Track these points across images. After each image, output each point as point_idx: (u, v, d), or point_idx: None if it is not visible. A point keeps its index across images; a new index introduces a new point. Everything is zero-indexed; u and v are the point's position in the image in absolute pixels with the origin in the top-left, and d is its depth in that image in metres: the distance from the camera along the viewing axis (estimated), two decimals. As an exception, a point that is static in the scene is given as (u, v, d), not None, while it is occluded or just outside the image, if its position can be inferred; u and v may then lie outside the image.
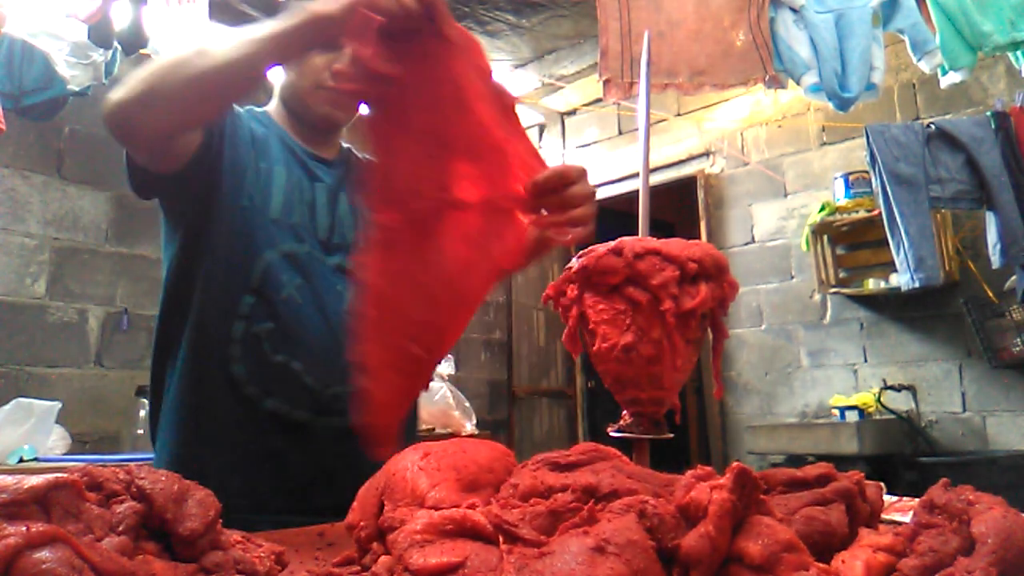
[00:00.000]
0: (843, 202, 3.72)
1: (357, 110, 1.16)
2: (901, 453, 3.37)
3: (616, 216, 5.20)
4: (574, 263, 0.83)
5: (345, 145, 1.29)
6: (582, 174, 0.85)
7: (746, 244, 4.40)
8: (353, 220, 1.17)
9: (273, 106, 1.23)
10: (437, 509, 0.52)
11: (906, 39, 2.77)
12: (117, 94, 0.91)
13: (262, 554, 0.51)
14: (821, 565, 0.46)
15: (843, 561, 0.47)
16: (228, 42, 0.88)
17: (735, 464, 0.47)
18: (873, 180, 3.23)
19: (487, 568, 0.43)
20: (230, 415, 1.04)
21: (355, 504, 0.61)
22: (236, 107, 1.14)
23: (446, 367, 3.76)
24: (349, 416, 1.09)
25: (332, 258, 1.13)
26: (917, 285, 3.08)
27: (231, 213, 1.08)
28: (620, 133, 5.09)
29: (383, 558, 0.46)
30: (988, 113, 3.19)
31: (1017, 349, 3.26)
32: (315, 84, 1.14)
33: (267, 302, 1.06)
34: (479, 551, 0.45)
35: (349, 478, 0.70)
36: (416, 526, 0.47)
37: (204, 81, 0.88)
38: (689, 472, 0.50)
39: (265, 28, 0.87)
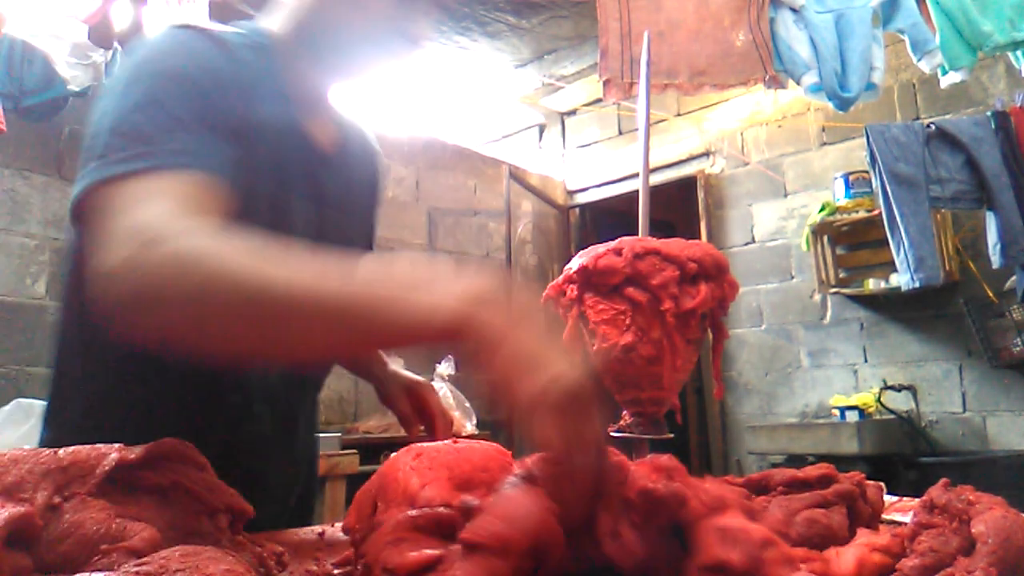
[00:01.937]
0: (843, 202, 3.72)
1: (392, 74, 0.94)
2: (901, 453, 3.36)
3: (616, 216, 5.21)
4: (574, 263, 0.83)
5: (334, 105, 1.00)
6: None
7: (746, 244, 4.40)
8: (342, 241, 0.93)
9: (281, 30, 0.91)
10: (428, 507, 0.52)
11: (906, 39, 2.77)
12: (124, 283, 0.59)
13: (262, 554, 0.51)
14: (802, 550, 0.46)
15: (836, 554, 0.47)
16: (311, 300, 0.55)
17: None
18: (873, 180, 3.23)
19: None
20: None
21: (351, 507, 0.61)
22: (232, 45, 0.84)
23: (446, 367, 3.76)
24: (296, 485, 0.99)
25: None
26: (917, 285, 3.08)
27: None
28: (620, 133, 5.09)
29: (362, 560, 0.46)
30: (988, 113, 3.19)
31: (1017, 349, 3.26)
32: (373, 39, 0.88)
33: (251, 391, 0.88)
34: (459, 549, 0.45)
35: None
36: (385, 529, 0.47)
37: (255, 331, 0.58)
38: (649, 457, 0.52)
39: (367, 300, 0.55)
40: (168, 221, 0.62)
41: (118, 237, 0.62)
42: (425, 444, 0.64)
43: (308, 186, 0.89)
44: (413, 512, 0.48)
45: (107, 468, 0.46)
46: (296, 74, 0.90)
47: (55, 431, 0.89)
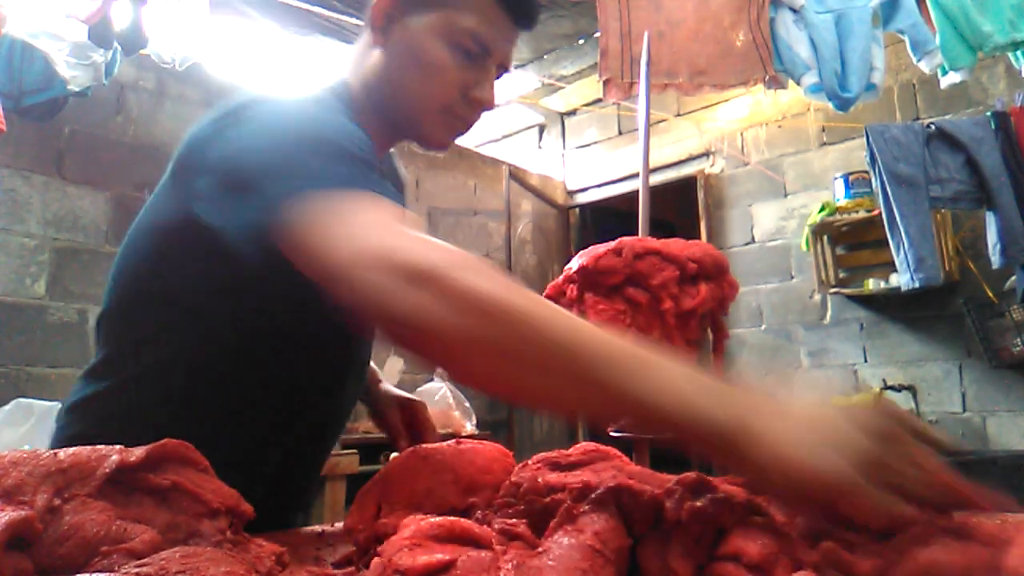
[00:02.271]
0: (843, 202, 3.72)
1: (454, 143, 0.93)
2: (901, 453, 3.36)
3: (616, 216, 5.21)
4: (574, 263, 0.83)
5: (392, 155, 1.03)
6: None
7: (746, 244, 4.40)
8: None
9: (346, 84, 0.90)
10: (434, 512, 0.52)
11: (906, 39, 2.77)
12: (438, 319, 0.54)
13: (262, 554, 0.51)
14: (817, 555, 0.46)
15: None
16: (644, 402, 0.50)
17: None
18: (873, 180, 3.23)
19: (480, 568, 0.43)
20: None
21: (353, 507, 0.61)
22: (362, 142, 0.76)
23: (442, 373, 3.76)
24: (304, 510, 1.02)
25: (361, 350, 0.98)
26: (917, 285, 3.08)
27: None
28: (620, 133, 5.09)
29: (374, 560, 0.46)
30: (988, 113, 3.19)
31: (1017, 349, 3.26)
32: (441, 104, 0.86)
33: (307, 410, 0.90)
34: (471, 552, 0.45)
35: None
36: (405, 534, 0.47)
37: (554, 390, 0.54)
38: (678, 479, 0.50)
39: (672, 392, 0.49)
40: (420, 241, 0.59)
41: (354, 237, 0.59)
42: (429, 446, 0.64)
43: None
44: (433, 520, 0.48)
45: (108, 470, 0.46)
46: (368, 124, 0.85)
47: (89, 423, 0.86)
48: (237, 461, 0.68)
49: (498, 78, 0.91)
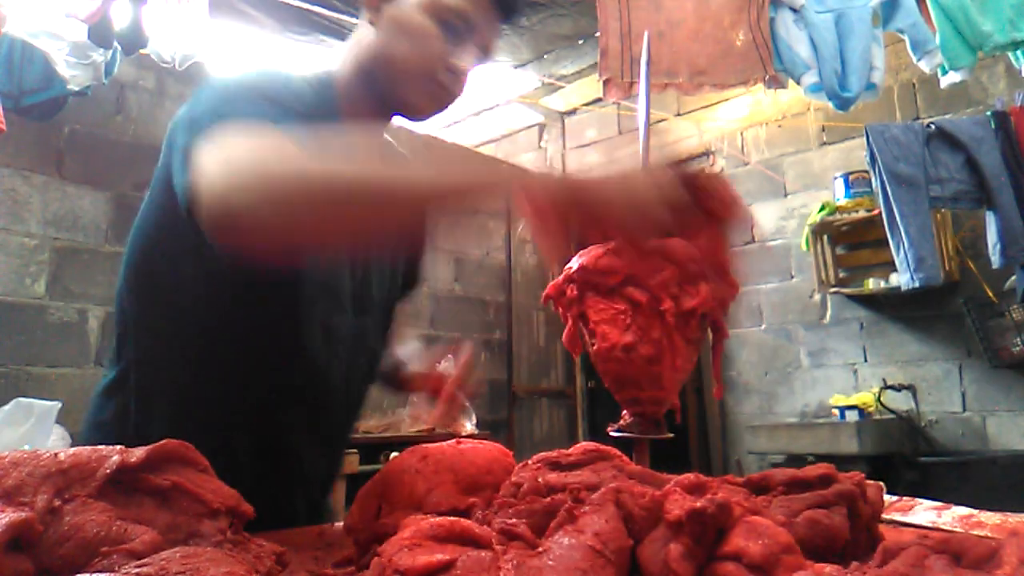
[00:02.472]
0: (843, 202, 3.72)
1: (446, 108, 0.99)
2: (901, 453, 3.37)
3: (616, 216, 5.20)
4: (574, 263, 0.83)
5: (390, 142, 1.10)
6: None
7: (746, 244, 4.40)
8: (381, 271, 1.03)
9: (342, 68, 0.99)
10: (435, 512, 0.52)
11: (906, 39, 2.77)
12: (242, 201, 0.64)
13: (262, 554, 0.51)
14: (817, 565, 0.46)
15: None
16: (414, 188, 0.66)
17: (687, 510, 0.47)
18: (873, 180, 3.23)
19: (480, 568, 0.43)
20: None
21: (354, 507, 0.61)
22: (298, 88, 0.91)
23: (446, 367, 3.76)
24: (325, 497, 1.05)
25: (357, 320, 0.99)
26: (917, 285, 3.08)
27: (287, 275, 0.89)
28: (620, 133, 5.09)
29: (374, 560, 0.46)
30: (988, 113, 3.19)
31: (1017, 349, 3.26)
32: (426, 72, 0.92)
33: (298, 381, 0.92)
34: (471, 552, 0.45)
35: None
36: (405, 534, 0.47)
37: (355, 213, 0.66)
38: (676, 481, 0.50)
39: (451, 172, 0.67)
40: (277, 143, 0.68)
41: (233, 167, 0.66)
42: (429, 446, 0.64)
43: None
44: (433, 520, 0.48)
45: (108, 471, 0.46)
46: (352, 106, 0.96)
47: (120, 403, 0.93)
48: (215, 447, 0.69)
49: (481, 63, 0.98)
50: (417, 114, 0.97)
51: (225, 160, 0.66)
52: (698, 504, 0.46)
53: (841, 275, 3.96)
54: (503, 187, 0.67)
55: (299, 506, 0.97)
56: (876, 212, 3.32)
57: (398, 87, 0.94)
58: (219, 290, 0.88)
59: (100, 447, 0.49)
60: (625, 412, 0.85)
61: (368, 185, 0.64)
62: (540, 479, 0.56)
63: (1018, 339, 3.25)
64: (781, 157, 4.30)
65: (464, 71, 0.94)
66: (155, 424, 0.88)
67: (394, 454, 0.65)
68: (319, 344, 0.93)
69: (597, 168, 0.69)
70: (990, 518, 0.70)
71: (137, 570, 0.39)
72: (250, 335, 0.89)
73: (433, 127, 4.84)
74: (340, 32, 3.74)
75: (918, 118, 3.71)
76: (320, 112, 0.89)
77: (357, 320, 0.99)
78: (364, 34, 0.96)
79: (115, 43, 2.75)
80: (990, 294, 3.39)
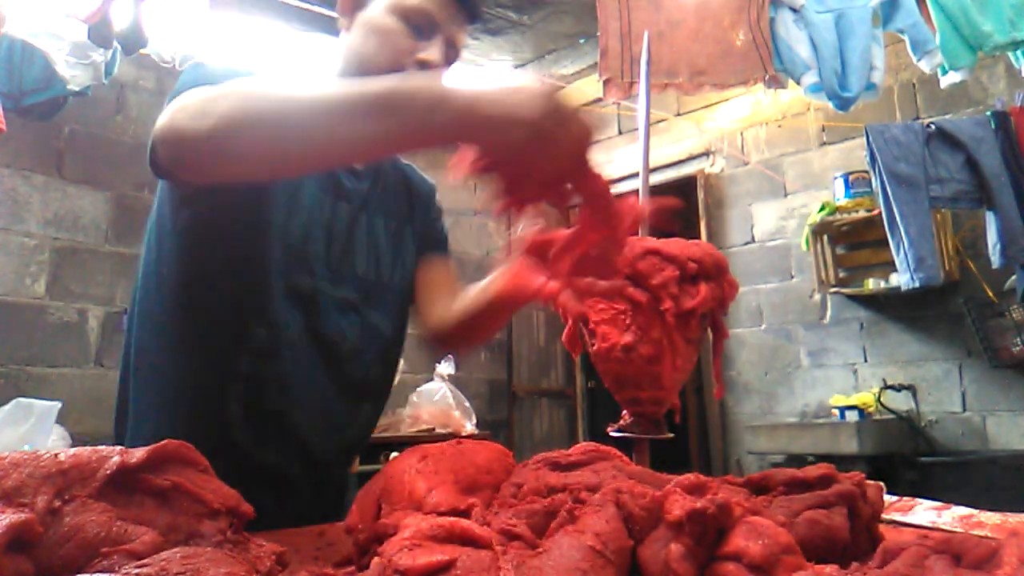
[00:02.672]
0: (843, 202, 3.72)
1: None
2: (901, 453, 3.36)
3: (616, 216, 5.20)
4: (574, 263, 0.83)
5: None
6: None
7: (746, 244, 4.40)
8: (368, 245, 1.06)
9: (332, 71, 1.06)
10: (435, 512, 0.52)
11: (906, 39, 2.77)
12: (180, 114, 0.73)
13: (262, 554, 0.51)
14: (817, 565, 0.46)
15: None
16: (332, 101, 0.68)
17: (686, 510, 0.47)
18: (873, 180, 3.23)
19: (480, 568, 0.43)
20: (214, 460, 0.93)
21: (353, 507, 0.61)
22: None
23: (446, 367, 3.77)
24: (340, 467, 1.05)
25: (339, 291, 1.02)
26: (917, 285, 3.08)
27: (256, 227, 0.94)
28: (620, 133, 5.09)
29: (374, 560, 0.46)
30: (988, 113, 3.19)
31: (1017, 349, 3.26)
32: (396, 67, 0.97)
33: (278, 339, 0.96)
34: (471, 552, 0.45)
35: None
36: (405, 534, 0.47)
37: (294, 145, 0.71)
38: (676, 482, 0.50)
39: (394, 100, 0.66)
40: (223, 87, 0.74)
41: (185, 103, 0.73)
42: (429, 446, 0.64)
43: (326, 180, 1.03)
44: (433, 520, 0.48)
45: (108, 471, 0.46)
46: None
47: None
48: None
49: (450, 58, 1.03)
50: None
51: (180, 103, 0.73)
52: (699, 504, 0.46)
53: (841, 275, 3.96)
54: (419, 99, 0.65)
55: (298, 474, 0.98)
56: (876, 212, 3.32)
57: None
58: (193, 258, 0.95)
59: (100, 447, 0.49)
60: (625, 412, 0.85)
61: (295, 101, 0.69)
62: (540, 479, 0.56)
63: (1018, 339, 3.25)
64: (781, 157, 4.30)
65: (432, 65, 0.99)
66: (148, 400, 0.97)
67: (394, 454, 0.65)
68: (280, 302, 0.96)
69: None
70: (990, 518, 0.70)
71: (137, 571, 0.39)
72: (218, 293, 0.96)
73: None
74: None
75: (918, 118, 3.71)
76: None
77: (336, 289, 1.02)
78: (341, 44, 1.04)
79: (115, 43, 2.75)
80: (990, 294, 3.39)
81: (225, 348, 0.95)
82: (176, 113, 0.73)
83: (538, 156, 0.63)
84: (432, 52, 0.99)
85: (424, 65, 0.98)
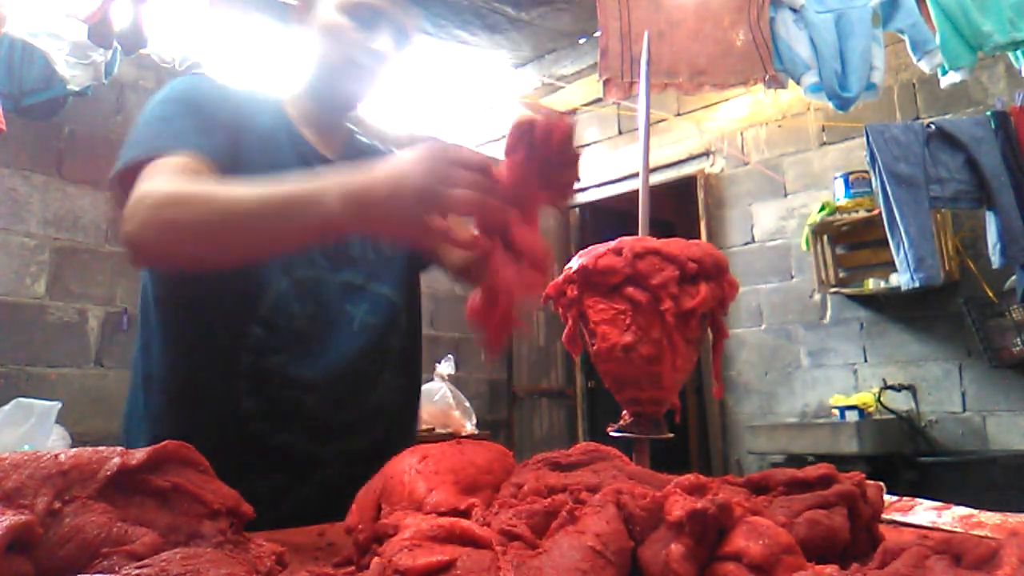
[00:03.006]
0: (843, 202, 3.72)
1: (379, 88, 1.11)
2: (901, 453, 3.37)
3: (616, 216, 5.21)
4: (574, 263, 0.83)
5: (353, 131, 1.22)
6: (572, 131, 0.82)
7: (746, 244, 4.40)
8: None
9: (291, 90, 1.14)
10: (435, 513, 0.52)
11: (906, 39, 2.77)
12: (132, 224, 0.82)
13: (262, 554, 0.51)
14: (817, 566, 0.46)
15: None
16: (247, 209, 0.78)
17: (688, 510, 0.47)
18: (873, 180, 3.23)
19: (480, 568, 0.43)
20: (234, 451, 0.94)
21: (353, 507, 0.61)
22: (246, 99, 1.08)
23: (446, 367, 3.77)
24: (359, 441, 1.06)
25: (339, 275, 1.06)
26: (917, 285, 3.08)
27: None
28: (620, 133, 5.09)
29: (374, 560, 0.46)
30: (988, 113, 3.19)
31: (1017, 349, 3.26)
32: (349, 60, 1.05)
33: (277, 334, 0.99)
34: (471, 552, 0.45)
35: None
36: (405, 534, 0.47)
37: (220, 245, 0.81)
38: (676, 482, 0.50)
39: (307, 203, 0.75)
40: (162, 185, 0.84)
41: (132, 206, 0.83)
42: (429, 446, 0.64)
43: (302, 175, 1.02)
44: (433, 520, 0.48)
45: (109, 472, 0.46)
46: (304, 118, 1.12)
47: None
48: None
49: (402, 46, 1.09)
50: (353, 100, 1.11)
51: (134, 202, 0.82)
52: (699, 505, 0.46)
53: (841, 275, 3.96)
54: (321, 202, 0.73)
55: (320, 450, 1.01)
56: (876, 212, 3.32)
57: (330, 80, 1.09)
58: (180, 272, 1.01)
59: (100, 448, 0.49)
60: (625, 412, 0.85)
61: (208, 206, 0.79)
62: (540, 479, 0.56)
63: (1018, 339, 3.25)
64: (781, 157, 4.30)
65: (382, 52, 1.06)
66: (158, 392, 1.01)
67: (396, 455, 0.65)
68: (283, 298, 1.00)
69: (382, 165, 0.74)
70: (990, 518, 0.70)
71: (138, 571, 0.39)
72: (209, 301, 0.99)
73: (431, 128, 4.85)
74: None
75: (918, 118, 3.71)
76: (266, 121, 1.06)
77: (336, 275, 1.06)
78: (301, 45, 1.11)
79: (115, 43, 2.75)
80: (990, 294, 3.39)
81: (224, 348, 0.98)
82: (129, 222, 0.82)
83: (432, 211, 0.70)
84: (382, 42, 1.05)
85: (375, 54, 1.04)
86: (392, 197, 0.70)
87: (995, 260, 3.10)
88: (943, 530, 0.70)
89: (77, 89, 2.82)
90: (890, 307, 3.79)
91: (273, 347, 0.99)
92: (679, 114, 4.76)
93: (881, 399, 3.62)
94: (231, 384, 0.97)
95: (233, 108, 1.03)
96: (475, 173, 0.72)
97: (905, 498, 0.79)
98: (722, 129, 4.57)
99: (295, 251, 0.97)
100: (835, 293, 3.93)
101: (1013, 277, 3.17)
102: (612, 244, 0.81)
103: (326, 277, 1.05)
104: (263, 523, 0.89)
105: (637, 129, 4.34)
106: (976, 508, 0.73)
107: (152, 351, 1.02)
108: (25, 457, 0.46)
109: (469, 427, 3.71)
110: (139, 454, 0.48)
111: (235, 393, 0.97)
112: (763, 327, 4.27)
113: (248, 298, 0.98)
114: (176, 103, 0.98)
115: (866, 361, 3.87)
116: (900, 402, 3.64)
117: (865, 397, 3.65)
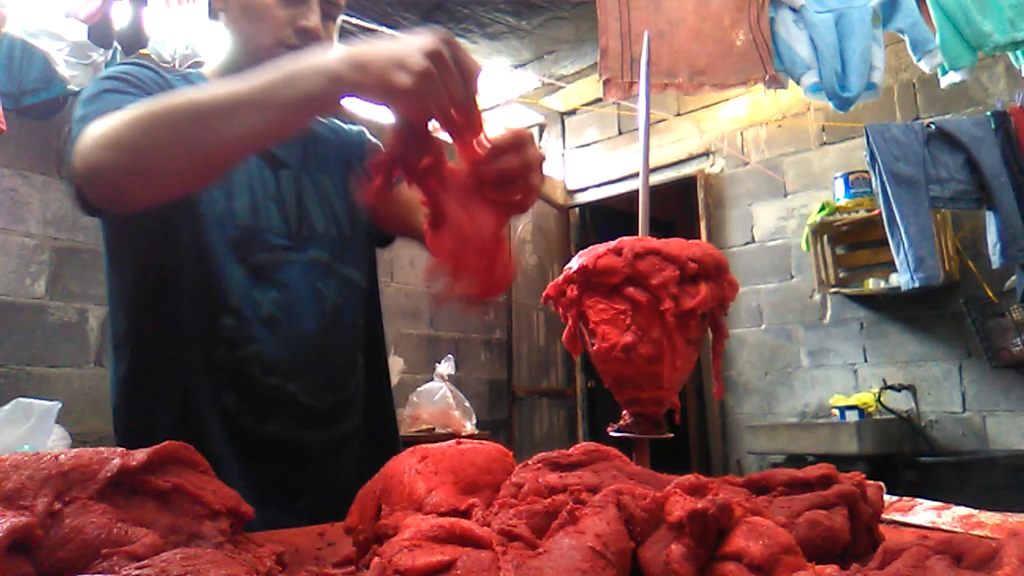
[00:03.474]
0: (843, 202, 3.72)
1: None
2: (901, 453, 3.37)
3: (616, 216, 5.21)
4: (574, 263, 0.83)
5: None
6: (531, 138, 0.82)
7: (746, 244, 4.40)
8: (321, 204, 1.08)
9: (215, 67, 1.09)
10: (435, 513, 0.52)
11: (906, 39, 2.76)
12: (93, 153, 0.77)
13: (262, 554, 0.51)
14: (818, 566, 0.46)
15: None
16: (226, 100, 0.74)
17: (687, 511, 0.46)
18: (873, 180, 3.23)
19: (479, 569, 0.43)
20: (223, 446, 0.95)
21: (353, 506, 0.61)
22: (169, 78, 1.04)
23: (446, 367, 3.77)
24: (347, 423, 1.07)
25: (305, 253, 1.04)
26: (917, 285, 3.08)
27: (193, 223, 0.96)
28: (620, 133, 5.09)
29: (374, 560, 0.46)
30: (988, 113, 3.20)
31: (1017, 349, 3.26)
32: (278, 41, 1.00)
33: (247, 323, 0.97)
34: (471, 552, 0.45)
35: (353, 485, 0.67)
36: (405, 534, 0.47)
37: (202, 151, 0.76)
38: (676, 483, 0.50)
39: (272, 90, 0.72)
40: (114, 117, 0.79)
41: (87, 139, 0.79)
42: (429, 446, 0.64)
43: (258, 155, 1.04)
44: (433, 520, 0.48)
45: (109, 473, 0.46)
46: None
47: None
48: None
49: (333, 17, 1.06)
50: None
51: (86, 133, 0.79)
52: (699, 505, 0.46)
53: (841, 275, 3.96)
54: (305, 83, 0.70)
55: (308, 439, 1.00)
56: (876, 212, 3.32)
57: (255, 61, 0.98)
58: (140, 264, 0.99)
59: (101, 448, 0.49)
60: (625, 412, 0.85)
61: (197, 110, 0.74)
62: (540, 479, 0.56)
63: (1018, 339, 3.25)
64: (781, 157, 4.30)
65: (312, 29, 1.01)
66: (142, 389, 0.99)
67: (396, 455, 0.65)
68: (243, 286, 0.98)
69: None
70: (990, 518, 0.70)
71: (138, 572, 0.39)
72: (172, 294, 0.97)
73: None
74: (340, 30, 3.74)
75: (918, 118, 3.71)
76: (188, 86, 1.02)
77: (301, 254, 1.03)
78: (220, 36, 1.06)
79: (115, 43, 2.75)
80: (990, 294, 3.39)
81: (195, 343, 0.96)
82: (89, 152, 0.78)
83: (429, 97, 0.68)
84: (309, 17, 1.01)
85: (305, 32, 1.00)
86: (395, 60, 0.67)
87: (995, 260, 3.10)
88: (943, 530, 0.70)
89: (77, 89, 2.82)
90: (890, 307, 3.79)
91: (246, 336, 0.97)
92: (679, 114, 4.76)
93: (881, 399, 3.62)
94: (212, 378, 0.95)
95: (166, 87, 1.01)
96: (467, 75, 0.70)
97: (905, 498, 0.79)
98: (722, 129, 4.57)
99: (279, 137, 0.88)
100: (835, 293, 3.93)
101: (1013, 277, 3.17)
102: (612, 244, 0.81)
103: (290, 258, 1.02)
104: (262, 522, 0.89)
105: (637, 129, 4.34)
106: (976, 508, 0.73)
107: (125, 353, 0.99)
108: (25, 458, 0.46)
109: (469, 427, 3.70)
110: (139, 455, 0.48)
111: (216, 387, 0.95)
112: (763, 327, 4.27)
113: (209, 290, 0.96)
114: (112, 80, 0.96)
115: (866, 361, 3.87)
116: (900, 402, 3.64)
117: (865, 397, 3.65)
